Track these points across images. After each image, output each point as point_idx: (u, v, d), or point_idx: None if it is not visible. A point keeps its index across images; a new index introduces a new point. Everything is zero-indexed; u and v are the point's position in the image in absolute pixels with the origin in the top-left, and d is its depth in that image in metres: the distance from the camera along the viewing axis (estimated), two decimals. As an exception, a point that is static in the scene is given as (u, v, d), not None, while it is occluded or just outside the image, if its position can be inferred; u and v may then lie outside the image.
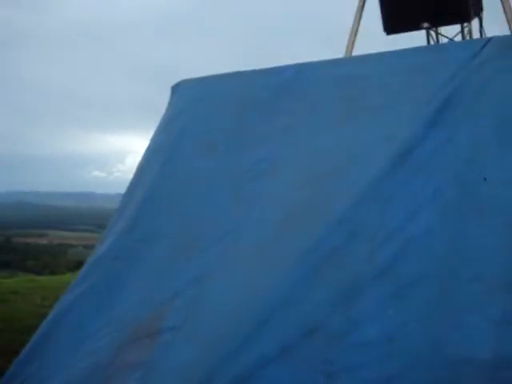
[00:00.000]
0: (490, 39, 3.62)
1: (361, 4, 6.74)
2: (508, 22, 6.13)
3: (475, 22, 8.29)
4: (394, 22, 6.87)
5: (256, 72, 4.32)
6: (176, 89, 4.66)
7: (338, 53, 6.74)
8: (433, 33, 8.74)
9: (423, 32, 8.85)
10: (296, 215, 3.28)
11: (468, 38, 8.59)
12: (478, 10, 7.46)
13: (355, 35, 6.66)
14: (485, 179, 2.97)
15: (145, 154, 4.39)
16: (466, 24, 8.32)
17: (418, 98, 3.45)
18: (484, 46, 3.51)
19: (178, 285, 3.33)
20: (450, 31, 8.89)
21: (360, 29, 6.77)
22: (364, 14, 7.02)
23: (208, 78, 4.57)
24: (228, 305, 3.04)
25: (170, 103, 4.63)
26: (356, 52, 6.60)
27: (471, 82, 3.36)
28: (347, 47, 6.57)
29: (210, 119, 4.20)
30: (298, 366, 2.66)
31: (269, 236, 3.28)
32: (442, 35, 8.58)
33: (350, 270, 2.90)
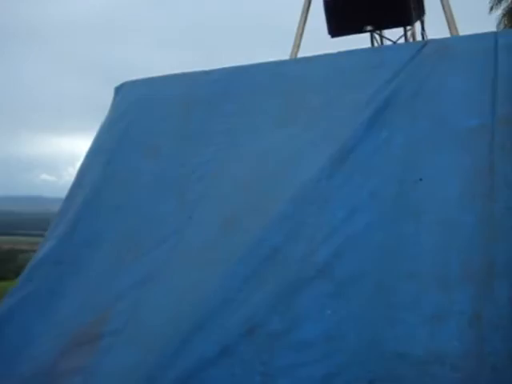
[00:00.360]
0: (427, 42, 3.70)
1: (306, 6, 6.78)
2: (448, 24, 6.29)
3: (419, 25, 8.51)
4: (338, 25, 6.95)
5: (200, 73, 4.31)
6: (119, 90, 4.61)
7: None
8: (377, 36, 8.91)
9: (369, 35, 9.03)
10: (238, 217, 3.29)
11: (411, 40, 8.79)
12: (420, 14, 7.64)
13: (300, 37, 6.70)
14: (420, 179, 3.04)
15: (86, 156, 4.31)
16: (409, 27, 8.52)
17: (358, 100, 3.49)
18: (421, 48, 3.60)
19: (120, 289, 3.30)
20: (396, 34, 9.10)
21: (306, 32, 6.83)
22: (311, 17, 7.08)
23: (151, 80, 4.53)
24: (169, 307, 3.04)
25: (112, 104, 4.57)
26: (302, 54, 6.64)
27: (408, 83, 3.43)
28: (292, 49, 6.61)
29: (153, 121, 4.17)
30: (236, 366, 2.67)
31: (211, 238, 3.29)
32: (386, 38, 8.76)
33: (289, 270, 2.92)
